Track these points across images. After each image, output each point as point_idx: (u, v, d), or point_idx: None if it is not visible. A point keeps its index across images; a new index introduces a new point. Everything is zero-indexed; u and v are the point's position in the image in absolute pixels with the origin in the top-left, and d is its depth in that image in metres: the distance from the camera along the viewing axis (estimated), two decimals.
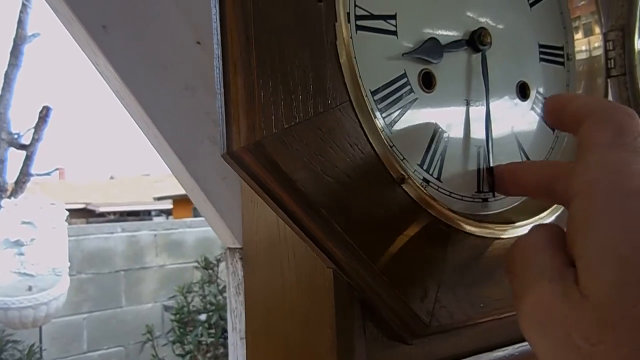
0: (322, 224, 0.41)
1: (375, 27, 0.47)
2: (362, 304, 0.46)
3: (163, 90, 0.77)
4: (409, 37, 0.50)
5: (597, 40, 0.61)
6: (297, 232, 0.42)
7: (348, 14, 0.45)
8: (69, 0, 0.71)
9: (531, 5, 0.60)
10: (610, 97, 0.61)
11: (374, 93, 0.47)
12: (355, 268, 0.43)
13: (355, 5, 0.46)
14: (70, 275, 3.69)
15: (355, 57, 0.45)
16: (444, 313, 0.48)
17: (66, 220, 3.56)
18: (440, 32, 0.52)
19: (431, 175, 0.51)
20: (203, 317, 3.98)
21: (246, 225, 0.62)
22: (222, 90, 0.39)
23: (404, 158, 0.49)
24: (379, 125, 0.47)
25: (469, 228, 0.50)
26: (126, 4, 0.75)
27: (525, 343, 0.54)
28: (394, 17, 0.49)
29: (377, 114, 0.47)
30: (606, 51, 0.61)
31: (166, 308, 4.70)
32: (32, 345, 4.03)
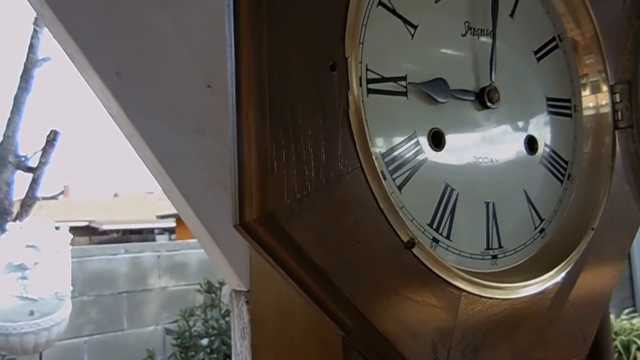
0: (331, 293, 0.41)
1: (386, 90, 0.48)
2: None
3: (173, 134, 0.78)
4: (419, 80, 0.50)
5: (604, 98, 0.62)
6: (307, 301, 0.41)
7: (360, 78, 0.46)
8: (84, 48, 0.73)
9: (538, 59, 0.61)
10: (617, 150, 0.61)
11: (384, 155, 0.47)
12: (365, 336, 0.43)
13: (367, 70, 0.47)
14: (72, 297, 3.67)
15: (366, 121, 0.45)
16: None
17: (70, 243, 3.56)
18: (450, 81, 0.52)
19: (440, 234, 0.51)
20: (205, 341, 3.93)
21: (254, 277, 0.62)
22: (237, 163, 0.39)
23: (414, 218, 0.49)
24: (389, 188, 0.47)
25: (479, 290, 0.49)
26: (139, 50, 0.77)
27: None
28: (404, 78, 0.49)
29: (388, 175, 0.47)
30: (613, 104, 0.62)
31: (168, 332, 4.64)
32: None
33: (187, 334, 3.79)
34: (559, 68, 0.63)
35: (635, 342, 5.10)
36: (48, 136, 4.54)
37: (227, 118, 0.54)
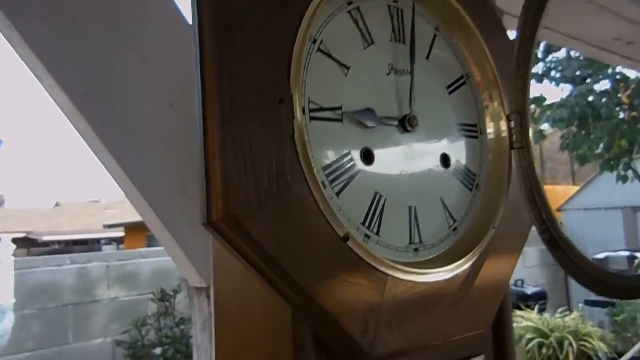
0: (282, 276, 0.52)
1: (325, 117, 0.60)
2: (316, 340, 0.56)
3: (139, 148, 0.87)
4: (352, 109, 0.62)
5: (503, 124, 0.77)
6: (263, 283, 0.52)
7: (304, 108, 0.58)
8: (51, 70, 0.80)
9: (450, 92, 0.76)
10: (513, 166, 0.77)
11: (325, 169, 0.59)
12: (310, 310, 0.54)
13: (310, 102, 0.59)
14: (13, 311, 3.52)
15: (309, 142, 0.57)
16: (383, 345, 0.59)
17: (13, 254, 3.42)
18: (378, 110, 0.65)
19: (372, 231, 0.63)
20: (158, 351, 3.89)
21: (217, 275, 0.71)
22: (205, 176, 0.49)
23: (350, 218, 0.61)
24: (329, 194, 0.58)
25: (402, 275, 0.62)
26: (106, 73, 0.85)
27: None
28: (340, 108, 0.62)
29: (328, 185, 0.59)
30: (510, 129, 0.77)
31: (118, 343, 4.52)
32: None
33: (139, 344, 3.74)
34: (467, 99, 0.78)
35: (568, 339, 5.54)
36: None
37: (187, 133, 0.62)
